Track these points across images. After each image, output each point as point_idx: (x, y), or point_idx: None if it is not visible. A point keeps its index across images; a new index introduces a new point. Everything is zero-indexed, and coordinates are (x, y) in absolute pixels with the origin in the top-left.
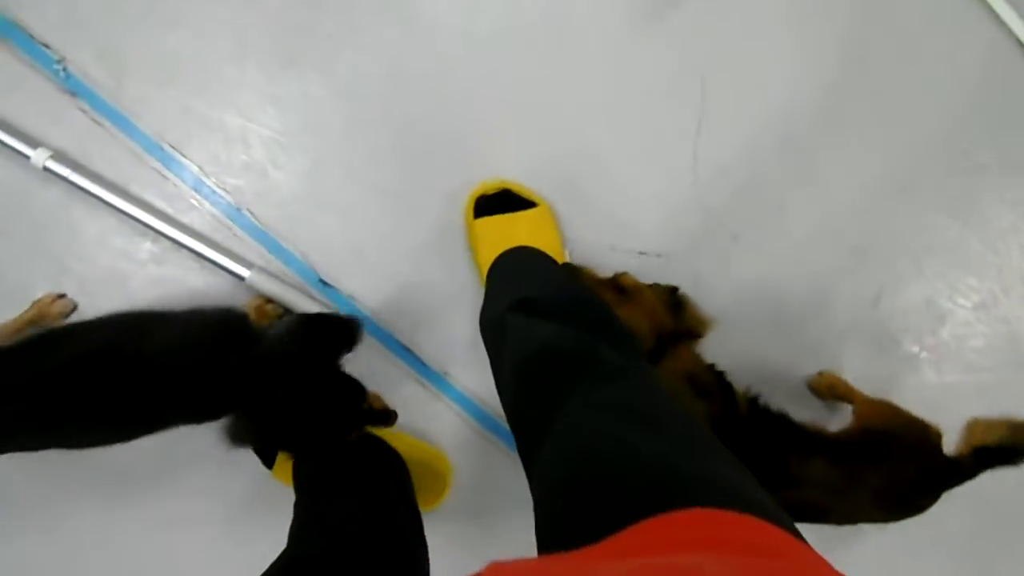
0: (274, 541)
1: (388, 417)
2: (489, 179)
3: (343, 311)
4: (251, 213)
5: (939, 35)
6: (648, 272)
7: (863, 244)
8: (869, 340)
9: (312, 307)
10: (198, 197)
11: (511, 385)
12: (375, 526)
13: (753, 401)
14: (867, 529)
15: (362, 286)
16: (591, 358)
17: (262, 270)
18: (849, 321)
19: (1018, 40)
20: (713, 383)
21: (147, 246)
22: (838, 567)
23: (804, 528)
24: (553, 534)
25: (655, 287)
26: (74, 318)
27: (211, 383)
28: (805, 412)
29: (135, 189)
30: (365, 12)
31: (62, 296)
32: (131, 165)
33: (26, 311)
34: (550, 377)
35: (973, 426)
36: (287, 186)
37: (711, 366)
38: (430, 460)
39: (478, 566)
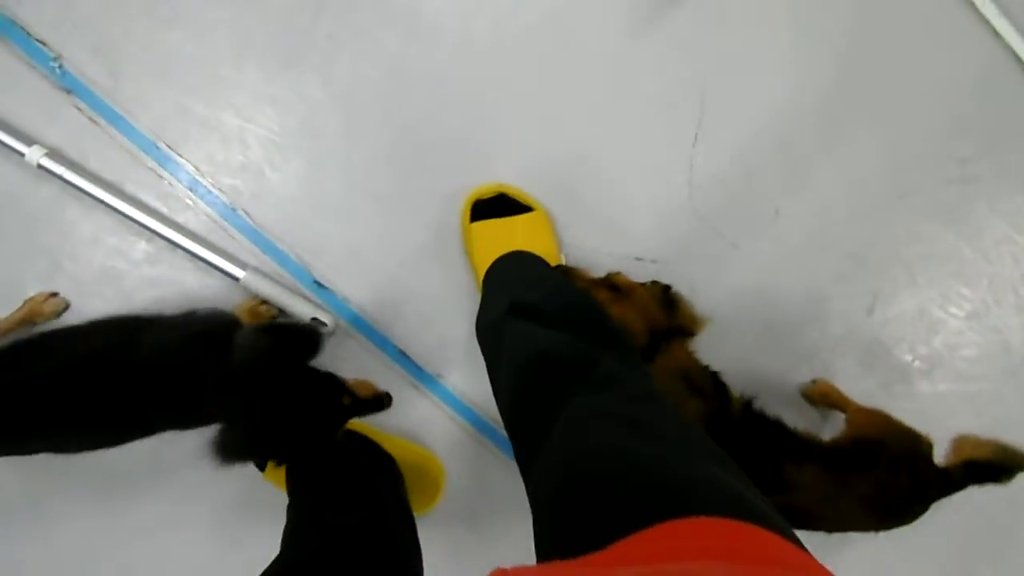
0: (266, 543)
1: (382, 401)
2: (486, 183)
3: (337, 313)
4: (246, 214)
5: (935, 47)
6: (644, 278)
7: (858, 252)
8: (862, 348)
9: (306, 308)
10: (193, 197)
11: (508, 391)
12: (369, 529)
13: (748, 404)
14: (858, 537)
15: (357, 288)
16: (588, 365)
17: (257, 271)
18: (843, 329)
19: (1014, 52)
20: (707, 382)
21: (141, 246)
22: None
23: (799, 535)
24: (553, 540)
25: (648, 285)
26: (67, 317)
27: (196, 390)
28: (799, 419)
29: (130, 188)
30: (365, 14)
31: (55, 295)
32: (126, 164)
33: (18, 309)
34: (548, 384)
35: (961, 442)
36: (283, 187)
37: (705, 366)
38: (423, 463)
39: (471, 570)
